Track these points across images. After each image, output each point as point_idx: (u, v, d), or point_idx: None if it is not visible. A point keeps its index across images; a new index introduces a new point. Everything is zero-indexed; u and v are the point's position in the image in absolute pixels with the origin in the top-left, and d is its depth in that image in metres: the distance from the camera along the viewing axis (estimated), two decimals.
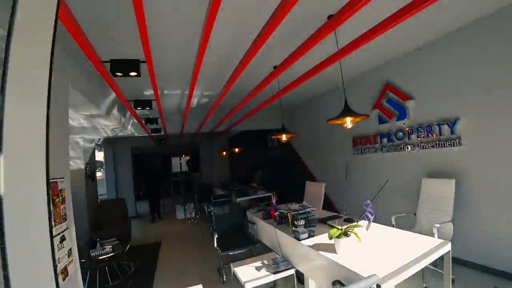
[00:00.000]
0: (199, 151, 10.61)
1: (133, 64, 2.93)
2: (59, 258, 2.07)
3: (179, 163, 16.49)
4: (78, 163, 5.94)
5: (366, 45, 3.57)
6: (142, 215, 9.84)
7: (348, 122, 2.78)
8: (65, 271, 2.14)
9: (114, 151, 9.39)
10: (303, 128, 7.11)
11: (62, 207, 2.22)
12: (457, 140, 3.51)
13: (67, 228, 2.28)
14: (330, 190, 5.98)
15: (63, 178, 2.30)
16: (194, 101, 5.79)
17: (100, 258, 4.02)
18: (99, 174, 12.77)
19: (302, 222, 2.77)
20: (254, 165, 9.52)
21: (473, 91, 3.31)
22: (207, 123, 6.51)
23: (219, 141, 9.79)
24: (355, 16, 2.29)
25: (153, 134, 6.64)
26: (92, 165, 6.54)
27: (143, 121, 5.25)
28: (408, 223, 3.55)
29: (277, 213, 3.29)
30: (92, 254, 4.03)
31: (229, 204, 4.89)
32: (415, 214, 3.65)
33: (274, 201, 3.58)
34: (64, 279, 2.11)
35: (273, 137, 4.71)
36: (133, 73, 2.97)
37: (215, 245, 3.75)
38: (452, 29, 3.41)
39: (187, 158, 12.23)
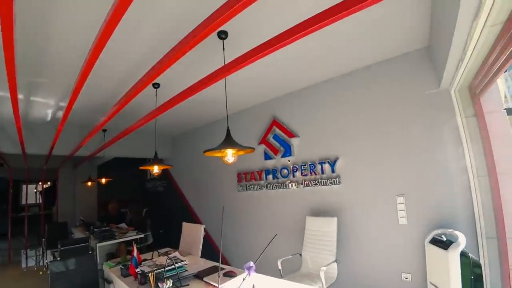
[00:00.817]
0: (58, 179, 8.64)
1: None
2: None
3: (34, 193, 13.14)
4: None
5: (254, 77, 3.55)
6: None
7: (230, 155, 2.40)
8: None
9: None
10: (188, 160, 6.61)
11: None
12: (337, 179, 3.64)
13: None
14: (214, 231, 5.58)
15: None
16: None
17: None
18: None
19: (169, 283, 2.19)
20: (130, 200, 8.29)
21: (349, 133, 3.59)
22: (59, 145, 5.15)
23: (85, 169, 8.20)
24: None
25: None
26: None
27: None
28: (295, 265, 3.50)
29: (138, 270, 2.58)
30: None
31: (79, 255, 3.67)
32: (300, 255, 3.57)
33: (135, 252, 2.79)
34: None
35: (141, 168, 3.89)
36: None
37: None
38: (335, 75, 3.74)
39: (43, 187, 9.78)
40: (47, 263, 6.22)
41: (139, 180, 8.48)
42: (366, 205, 3.37)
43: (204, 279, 2.49)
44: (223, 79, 2.51)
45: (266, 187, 4.56)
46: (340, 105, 3.69)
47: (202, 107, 4.81)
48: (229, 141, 2.34)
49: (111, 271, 3.08)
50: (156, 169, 3.78)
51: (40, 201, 9.54)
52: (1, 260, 7.43)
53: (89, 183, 6.89)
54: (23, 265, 6.71)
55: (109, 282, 3.04)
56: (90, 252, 4.83)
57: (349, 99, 3.59)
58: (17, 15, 1.48)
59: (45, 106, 4.29)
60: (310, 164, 3.93)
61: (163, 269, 2.42)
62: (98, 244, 5.05)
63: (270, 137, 4.55)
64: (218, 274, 2.26)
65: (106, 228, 5.73)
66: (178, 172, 7.04)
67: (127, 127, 4.18)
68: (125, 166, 8.51)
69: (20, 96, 3.51)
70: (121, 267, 2.95)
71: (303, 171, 4.03)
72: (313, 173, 3.90)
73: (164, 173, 7.38)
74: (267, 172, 4.56)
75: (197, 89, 2.57)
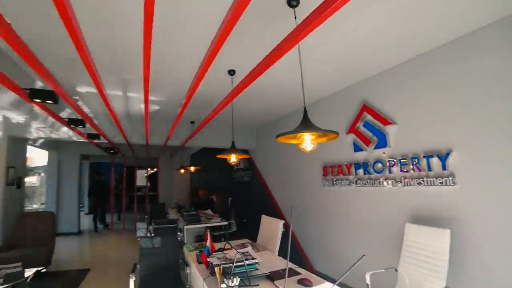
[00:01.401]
0: (159, 166, 9.72)
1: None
2: None
3: (144, 177, 15.36)
4: None
5: (342, 57, 3.18)
6: (86, 232, 8.71)
7: (307, 141, 2.00)
8: None
9: (59, 157, 8.33)
10: (271, 151, 6.47)
11: None
12: (450, 178, 2.83)
13: None
14: (297, 228, 5.30)
15: None
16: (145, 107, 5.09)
17: None
18: (33, 180, 11.50)
19: (236, 281, 1.98)
20: (217, 188, 8.78)
21: (467, 117, 2.73)
22: (153, 135, 5.88)
23: (181, 157, 8.98)
24: None
25: (94, 141, 5.75)
26: (19, 169, 5.52)
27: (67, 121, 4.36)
28: (388, 281, 2.83)
29: (209, 260, 2.46)
30: None
31: (169, 234, 3.97)
32: (396, 270, 2.85)
33: (208, 242, 2.71)
34: None
35: (218, 156, 3.77)
36: None
37: None
38: (442, 42, 2.92)
39: (149, 172, 11.22)
40: (149, 232, 7.21)
41: (227, 170, 8.83)
42: (497, 217, 2.48)
43: (275, 282, 2.18)
44: (298, 56, 2.32)
45: (356, 183, 4.01)
46: (452, 81, 2.86)
47: (280, 95, 4.55)
48: (306, 124, 1.91)
49: (190, 255, 3.12)
50: (233, 158, 3.71)
51: (146, 184, 11.01)
52: (119, 227, 9.26)
53: (182, 171, 7.53)
54: (138, 234, 7.99)
55: (187, 265, 3.08)
56: (178, 233, 5.23)
57: (466, 69, 2.73)
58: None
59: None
60: (412, 158, 3.22)
61: (231, 264, 2.26)
62: (185, 227, 5.40)
63: (360, 125, 3.96)
64: (285, 280, 1.95)
65: (194, 212, 6.12)
66: (263, 164, 6.99)
67: (206, 117, 4.34)
68: (214, 156, 8.93)
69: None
70: (197, 253, 2.93)
71: (402, 166, 3.33)
72: (415, 169, 3.18)
73: (250, 164, 7.50)
74: (357, 165, 4.01)
75: (270, 63, 2.26)
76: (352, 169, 4.08)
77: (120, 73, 3.44)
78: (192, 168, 6.78)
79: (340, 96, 4.38)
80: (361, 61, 3.35)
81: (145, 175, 12.26)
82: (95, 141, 5.83)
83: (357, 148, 4.03)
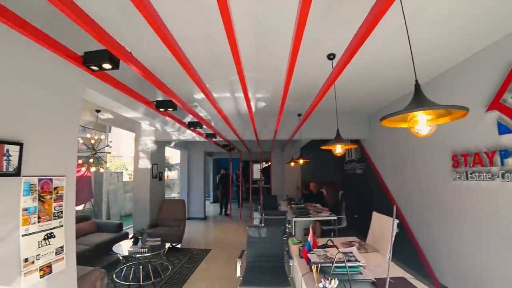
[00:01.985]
0: (271, 160, 10.49)
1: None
2: (39, 255, 2.10)
3: (258, 171, 16.81)
4: (145, 163, 6.47)
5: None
6: (210, 218, 10.24)
7: (422, 122, 1.56)
8: (47, 268, 2.17)
9: (189, 154, 10.03)
10: (386, 140, 5.75)
11: (55, 204, 2.26)
12: None
13: (61, 226, 2.31)
14: (417, 229, 4.57)
15: (63, 176, 2.36)
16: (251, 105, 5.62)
17: (137, 256, 4.18)
18: (171, 174, 14.17)
19: (335, 283, 1.80)
20: (327, 182, 8.82)
21: None
22: (262, 131, 6.30)
23: (291, 151, 9.44)
24: None
25: (212, 139, 6.73)
26: (160, 165, 7.04)
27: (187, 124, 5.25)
28: None
29: (309, 256, 2.35)
30: (129, 250, 4.22)
31: (278, 225, 4.25)
32: None
33: (310, 236, 2.67)
34: (43, 275, 2.13)
35: (322, 147, 3.60)
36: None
37: (238, 274, 3.24)
38: None
39: (263, 166, 12.25)
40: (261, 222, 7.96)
41: (338, 162, 8.68)
42: None
43: None
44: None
45: (502, 176, 2.93)
46: None
47: (388, 76, 3.95)
48: (419, 100, 1.48)
49: (293, 248, 3.14)
50: (338, 149, 3.46)
51: (260, 177, 12.01)
52: (237, 216, 10.44)
53: (292, 164, 7.88)
54: (255, 222, 9.02)
55: (291, 257, 3.09)
56: (287, 225, 5.65)
57: None
58: None
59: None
60: None
61: (330, 264, 2.09)
62: (294, 219, 5.70)
63: (509, 98, 2.84)
64: None
65: (303, 205, 6.36)
66: (376, 154, 6.35)
67: (308, 108, 4.18)
68: (323, 148, 8.95)
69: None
70: (299, 247, 2.91)
71: None
72: None
73: (362, 156, 7.11)
74: (505, 153, 2.92)
75: (368, 30, 1.78)
76: (497, 157, 3.01)
77: (225, 77, 3.92)
78: (301, 161, 6.96)
79: (470, 64, 3.37)
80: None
81: (259, 169, 13.36)
82: (213, 140, 6.85)
83: (503, 129, 2.94)
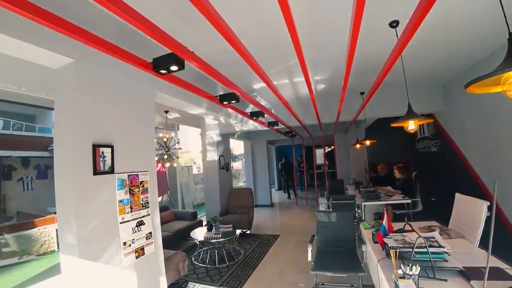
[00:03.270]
0: (335, 144, 10.28)
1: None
2: (133, 239, 2.48)
3: (322, 156, 16.59)
4: (212, 155, 6.93)
5: None
6: (277, 204, 10.53)
7: None
8: (140, 250, 2.56)
9: (252, 144, 10.38)
10: (468, 111, 4.99)
11: (142, 196, 2.64)
12: None
13: (148, 215, 2.69)
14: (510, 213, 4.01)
15: (146, 171, 2.73)
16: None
17: (212, 241, 4.58)
18: (236, 164, 14.78)
19: (416, 269, 1.70)
20: (397, 162, 8.34)
21: None
22: (324, 114, 6.23)
23: (356, 132, 9.11)
24: None
25: (274, 127, 6.87)
26: (226, 156, 7.47)
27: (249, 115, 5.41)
28: None
29: (385, 241, 2.28)
30: (204, 236, 4.65)
31: (347, 210, 4.18)
32: None
33: (385, 220, 2.54)
34: (138, 257, 2.52)
35: (392, 125, 3.33)
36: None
37: (309, 258, 3.29)
38: None
39: (326, 151, 12.07)
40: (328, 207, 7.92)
41: (408, 140, 8.07)
42: None
43: (472, 282, 1.66)
44: None
45: None
46: None
47: (464, 32, 3.31)
48: None
49: (366, 233, 3.07)
50: (411, 125, 3.11)
51: (324, 162, 11.86)
52: (302, 202, 10.54)
53: (357, 146, 7.59)
54: (321, 208, 8.98)
55: (363, 242, 3.04)
56: (356, 209, 5.56)
57: None
58: None
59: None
60: None
61: (410, 250, 1.96)
62: (363, 203, 5.49)
63: None
64: (484, 282, 1.40)
65: (372, 188, 6.16)
66: (456, 128, 5.63)
67: (373, 84, 3.91)
68: (391, 127, 8.36)
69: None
70: (372, 232, 2.85)
71: None
72: None
73: (438, 131, 6.47)
74: None
75: None
76: None
77: (284, 63, 3.96)
78: (368, 142, 6.68)
79: None
80: None
81: (322, 153, 13.20)
82: (275, 127, 7.00)
83: None
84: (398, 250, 1.99)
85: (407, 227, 2.48)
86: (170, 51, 2.35)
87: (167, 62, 2.49)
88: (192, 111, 4.57)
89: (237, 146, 14.65)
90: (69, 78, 2.12)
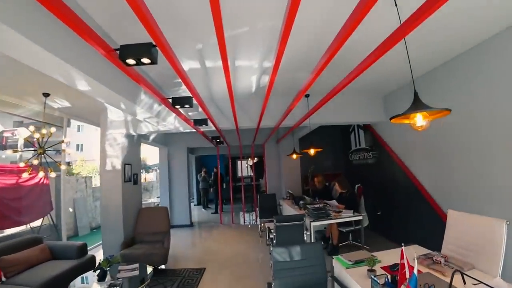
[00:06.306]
0: (264, 154, 9.20)
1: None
2: None
3: (246, 168, 15.49)
4: (114, 163, 5.08)
5: None
6: (197, 224, 8.89)
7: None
8: None
9: (169, 152, 8.59)
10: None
11: None
12: None
13: None
14: None
15: None
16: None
17: None
18: (150, 176, 12.54)
19: None
20: (333, 174, 7.73)
21: None
22: (266, 117, 5.19)
23: (287, 143, 8.21)
24: None
25: (200, 129, 5.43)
26: (135, 165, 5.63)
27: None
28: None
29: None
30: None
31: (293, 233, 3.07)
32: None
33: (404, 259, 1.74)
34: None
35: (392, 121, 2.10)
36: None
37: None
38: None
39: (253, 161, 10.92)
40: (259, 224, 6.83)
41: (342, 151, 7.86)
42: None
43: None
44: None
45: None
46: None
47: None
48: None
49: (348, 273, 2.22)
50: (420, 121, 2.05)
51: (251, 174, 10.76)
52: (228, 218, 9.43)
53: (294, 156, 6.69)
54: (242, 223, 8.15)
55: (343, 286, 2.22)
56: (305, 231, 4.43)
57: None
58: None
59: (249, 71, 4.00)
60: None
61: None
62: (312, 223, 4.60)
63: None
64: None
65: (320, 205, 5.13)
66: (397, 140, 5.48)
67: (334, 87, 3.42)
68: (327, 137, 8.04)
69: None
70: (372, 277, 1.90)
71: None
72: None
73: (376, 142, 6.27)
74: None
75: None
76: None
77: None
78: (312, 151, 5.82)
79: None
80: None
81: (247, 165, 12.15)
82: (201, 130, 5.55)
83: None
84: None
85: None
86: None
87: None
88: (81, 87, 2.85)
89: (151, 154, 12.39)
90: None
